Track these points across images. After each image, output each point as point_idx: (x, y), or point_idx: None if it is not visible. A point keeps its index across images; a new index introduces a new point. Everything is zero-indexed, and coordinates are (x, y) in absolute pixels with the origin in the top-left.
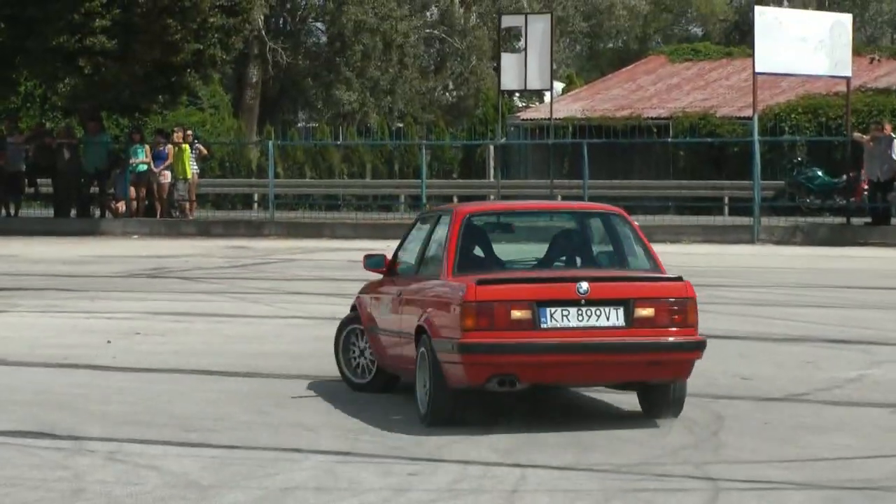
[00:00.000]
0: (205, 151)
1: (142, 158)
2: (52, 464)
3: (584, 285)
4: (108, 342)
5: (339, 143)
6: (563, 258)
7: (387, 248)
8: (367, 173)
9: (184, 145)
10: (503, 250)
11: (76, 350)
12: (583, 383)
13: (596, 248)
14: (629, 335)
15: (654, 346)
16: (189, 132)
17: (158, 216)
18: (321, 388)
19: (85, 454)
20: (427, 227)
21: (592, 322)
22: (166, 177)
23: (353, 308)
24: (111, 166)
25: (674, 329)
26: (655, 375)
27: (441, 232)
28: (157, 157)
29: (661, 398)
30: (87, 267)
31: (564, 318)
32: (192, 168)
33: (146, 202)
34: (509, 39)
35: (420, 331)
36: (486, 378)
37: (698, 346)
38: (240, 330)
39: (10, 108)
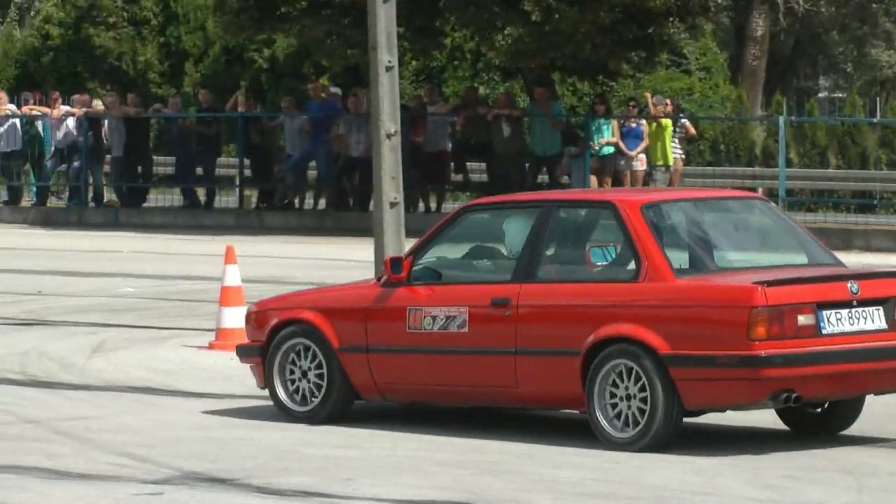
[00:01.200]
0: (691, 130)
1: (608, 138)
2: None
3: (856, 285)
4: None
5: (874, 120)
6: (748, 252)
7: None
8: None
9: (664, 121)
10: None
11: None
12: (847, 395)
13: (771, 238)
14: (891, 339)
15: None
16: (669, 102)
17: None
18: (847, 451)
19: None
20: (502, 223)
21: (861, 325)
22: (641, 162)
23: (286, 324)
24: (565, 146)
25: None
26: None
27: (582, 229)
28: (629, 136)
29: (855, 410)
30: None
31: (839, 321)
32: (674, 152)
33: None
34: None
35: (612, 345)
36: (768, 394)
37: None
38: None
39: (433, 67)
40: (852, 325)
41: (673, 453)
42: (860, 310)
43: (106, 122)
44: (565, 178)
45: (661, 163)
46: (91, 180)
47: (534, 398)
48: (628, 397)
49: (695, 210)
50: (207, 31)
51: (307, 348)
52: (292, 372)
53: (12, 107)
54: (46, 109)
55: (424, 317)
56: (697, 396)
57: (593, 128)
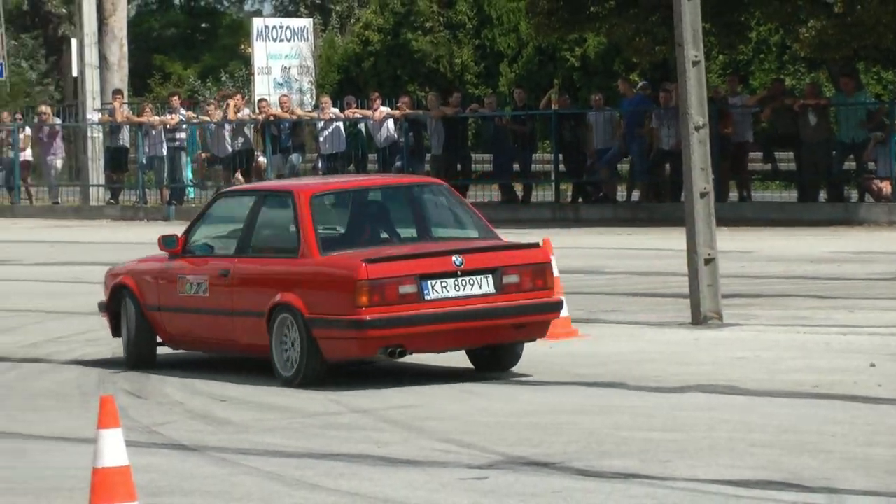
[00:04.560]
0: None
1: None
2: None
3: (460, 258)
4: (872, 365)
5: None
6: (407, 231)
7: None
8: None
9: None
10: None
11: (829, 375)
12: (461, 348)
13: (432, 219)
14: (499, 301)
15: (521, 310)
16: None
17: None
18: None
19: None
20: (241, 206)
21: (467, 291)
22: None
23: (119, 287)
24: (871, 132)
25: (536, 292)
26: (521, 336)
27: (276, 212)
28: None
29: (509, 355)
30: (843, 267)
31: (444, 289)
32: None
33: None
34: None
35: (280, 309)
36: (377, 349)
37: (557, 308)
38: None
39: (740, 60)
40: (458, 291)
41: None
42: (467, 278)
43: (427, 122)
44: (871, 164)
45: None
46: None
47: (249, 349)
48: (292, 346)
49: (365, 196)
50: (521, 32)
51: (128, 307)
52: (125, 325)
53: (335, 110)
54: (368, 112)
55: (186, 283)
56: (331, 351)
57: None
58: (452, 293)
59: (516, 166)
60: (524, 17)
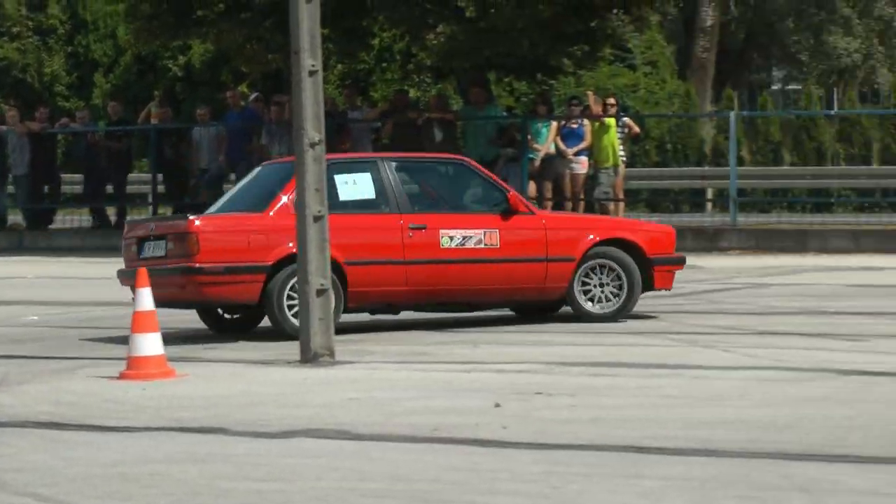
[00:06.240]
0: (635, 128)
1: (547, 140)
2: None
3: (153, 225)
4: (497, 406)
5: (831, 112)
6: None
7: None
8: (875, 157)
9: (607, 120)
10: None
11: (450, 417)
12: (163, 302)
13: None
14: (165, 263)
15: (172, 271)
16: (612, 101)
17: None
18: (827, 473)
19: None
20: None
21: (154, 253)
22: (583, 165)
23: None
24: (503, 149)
25: (184, 258)
26: (188, 297)
27: None
28: (570, 137)
29: (250, 321)
30: None
31: (149, 250)
32: (619, 153)
33: (552, 201)
34: None
35: None
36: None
37: (195, 272)
38: (685, 387)
39: (360, 69)
40: (151, 252)
41: (629, 479)
42: (154, 243)
43: (8, 139)
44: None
45: (606, 164)
46: None
47: None
48: None
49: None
50: (118, 38)
51: None
52: None
53: None
54: None
55: None
56: None
57: (533, 130)
58: (149, 254)
59: (110, 188)
60: (123, 21)
